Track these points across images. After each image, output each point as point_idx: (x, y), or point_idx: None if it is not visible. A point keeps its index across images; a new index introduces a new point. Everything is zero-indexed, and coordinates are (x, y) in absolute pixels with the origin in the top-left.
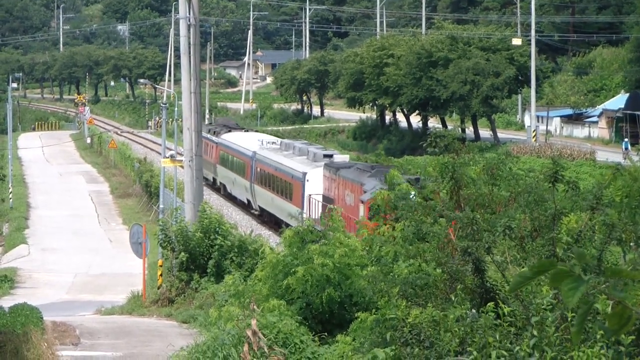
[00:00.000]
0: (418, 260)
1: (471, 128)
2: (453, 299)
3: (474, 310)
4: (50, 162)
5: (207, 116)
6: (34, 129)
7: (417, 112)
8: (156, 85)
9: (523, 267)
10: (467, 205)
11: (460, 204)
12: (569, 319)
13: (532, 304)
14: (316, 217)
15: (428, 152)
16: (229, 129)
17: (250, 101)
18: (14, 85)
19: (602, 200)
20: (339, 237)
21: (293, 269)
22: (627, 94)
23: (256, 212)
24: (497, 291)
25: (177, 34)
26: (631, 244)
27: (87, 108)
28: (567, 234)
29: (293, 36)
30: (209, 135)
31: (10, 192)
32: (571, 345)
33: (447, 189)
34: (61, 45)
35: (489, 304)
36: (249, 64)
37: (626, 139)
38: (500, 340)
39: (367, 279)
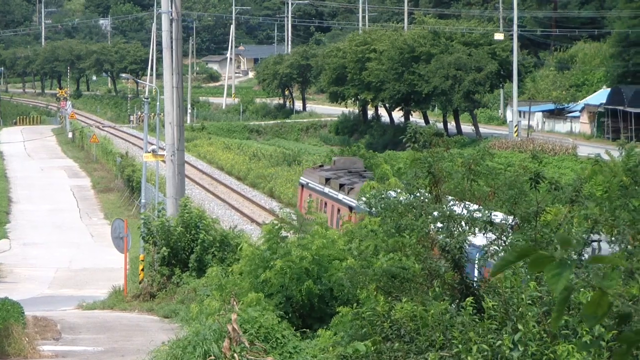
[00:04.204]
0: (398, 254)
1: (453, 123)
2: (430, 294)
3: (452, 306)
4: (31, 156)
5: (189, 111)
6: (15, 124)
7: (399, 107)
8: (138, 80)
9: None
10: (444, 199)
11: (439, 198)
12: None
13: (512, 299)
14: None
15: (408, 147)
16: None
17: (233, 96)
18: None
19: (582, 193)
20: (317, 230)
21: (272, 263)
22: (609, 89)
23: None
24: (477, 286)
25: (159, 29)
26: (612, 238)
27: (68, 102)
28: (545, 226)
29: (275, 31)
30: (327, 190)
31: None
32: (552, 339)
33: (426, 184)
34: (43, 40)
35: (468, 298)
36: (231, 59)
37: None
38: (481, 335)
39: (345, 272)
